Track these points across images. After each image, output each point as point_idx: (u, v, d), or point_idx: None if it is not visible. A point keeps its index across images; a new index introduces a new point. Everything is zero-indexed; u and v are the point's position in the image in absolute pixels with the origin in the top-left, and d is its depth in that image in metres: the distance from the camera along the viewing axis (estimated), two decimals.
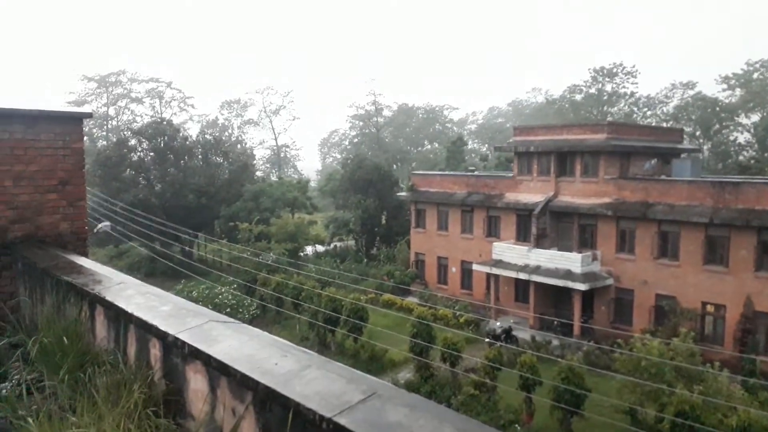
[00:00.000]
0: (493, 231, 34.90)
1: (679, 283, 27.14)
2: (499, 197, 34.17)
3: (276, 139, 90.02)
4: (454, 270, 36.88)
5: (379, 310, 29.78)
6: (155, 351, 3.21)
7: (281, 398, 2.31)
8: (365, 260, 44.24)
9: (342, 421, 2.05)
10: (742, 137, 58.55)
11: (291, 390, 2.32)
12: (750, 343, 24.70)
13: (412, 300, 34.44)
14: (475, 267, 33.43)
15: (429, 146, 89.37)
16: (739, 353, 24.67)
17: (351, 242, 49.96)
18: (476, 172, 40.85)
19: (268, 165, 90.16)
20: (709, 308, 26.40)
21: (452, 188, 37.31)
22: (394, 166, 62.97)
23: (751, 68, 58.69)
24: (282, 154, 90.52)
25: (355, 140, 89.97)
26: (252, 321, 30.41)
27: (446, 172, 45.24)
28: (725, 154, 57.05)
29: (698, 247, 26.67)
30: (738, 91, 59.37)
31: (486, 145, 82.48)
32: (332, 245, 51.43)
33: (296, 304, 29.55)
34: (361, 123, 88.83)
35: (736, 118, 58.18)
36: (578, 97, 69.85)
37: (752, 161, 51.53)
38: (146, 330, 3.26)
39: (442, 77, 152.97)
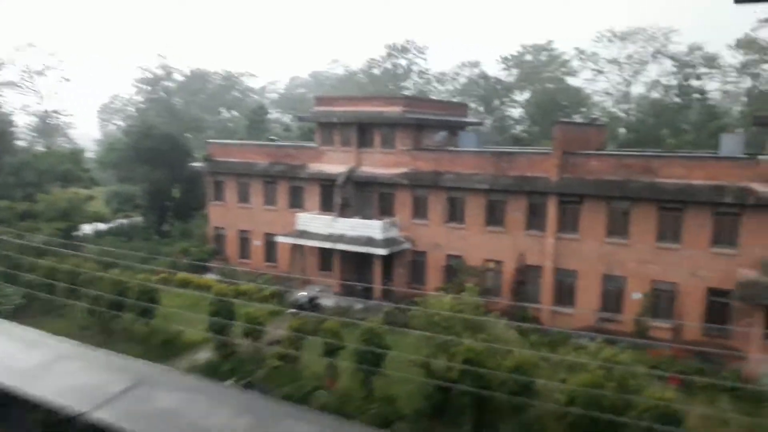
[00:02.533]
0: (297, 202, 34.89)
1: (466, 244, 29.93)
2: (302, 168, 34.19)
3: (42, 104, 78.67)
4: (257, 243, 36.27)
5: (174, 290, 28.15)
6: None
7: (22, 399, 1.93)
8: (156, 237, 41.41)
9: (99, 415, 1.80)
10: (517, 112, 66.13)
11: (37, 387, 1.96)
12: (522, 292, 28.32)
13: (211, 277, 33.21)
14: (279, 239, 33.23)
15: (227, 114, 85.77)
16: (514, 302, 28.15)
17: (139, 219, 46.27)
18: (279, 142, 40.28)
19: (34, 134, 78.57)
20: (490, 265, 29.61)
21: (254, 158, 36.37)
22: (188, 135, 59.23)
23: (525, 50, 66.18)
24: (50, 121, 79.44)
25: (142, 106, 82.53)
26: (15, 312, 26.52)
27: (247, 142, 43.91)
28: (504, 128, 63.97)
29: (481, 211, 29.60)
30: (514, 71, 66.65)
31: (289, 116, 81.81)
32: (116, 222, 47.08)
33: (72, 290, 26.41)
34: (149, 88, 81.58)
35: (511, 95, 65.38)
36: (376, 71, 72.53)
37: (525, 134, 58.55)
38: None
39: (238, 44, 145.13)
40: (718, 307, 24.74)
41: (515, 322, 24.48)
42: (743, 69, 53.74)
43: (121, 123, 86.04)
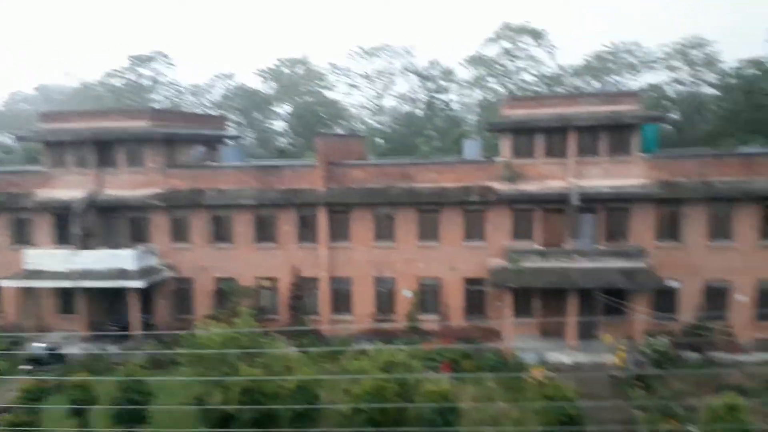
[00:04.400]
0: (23, 237, 29.32)
1: (236, 264, 28.17)
2: (27, 196, 28.75)
3: None
4: None
5: None
6: None
7: None
8: None
9: None
10: (279, 125, 65.56)
11: None
12: (300, 306, 27.54)
13: None
14: (2, 283, 27.40)
15: None
16: (292, 317, 27.18)
17: None
18: None
19: None
20: (265, 282, 28.22)
21: None
22: None
23: (281, 64, 65.99)
24: None
25: None
26: None
27: None
28: (266, 141, 62.88)
29: (249, 228, 28.13)
30: (272, 84, 65.98)
31: (11, 136, 69.53)
32: None
33: None
34: None
35: (272, 108, 64.63)
36: (117, 82, 65.68)
37: (289, 146, 58.20)
38: None
39: None
40: (476, 294, 26.97)
41: (294, 339, 23.57)
42: (475, 82, 60.67)
43: None
